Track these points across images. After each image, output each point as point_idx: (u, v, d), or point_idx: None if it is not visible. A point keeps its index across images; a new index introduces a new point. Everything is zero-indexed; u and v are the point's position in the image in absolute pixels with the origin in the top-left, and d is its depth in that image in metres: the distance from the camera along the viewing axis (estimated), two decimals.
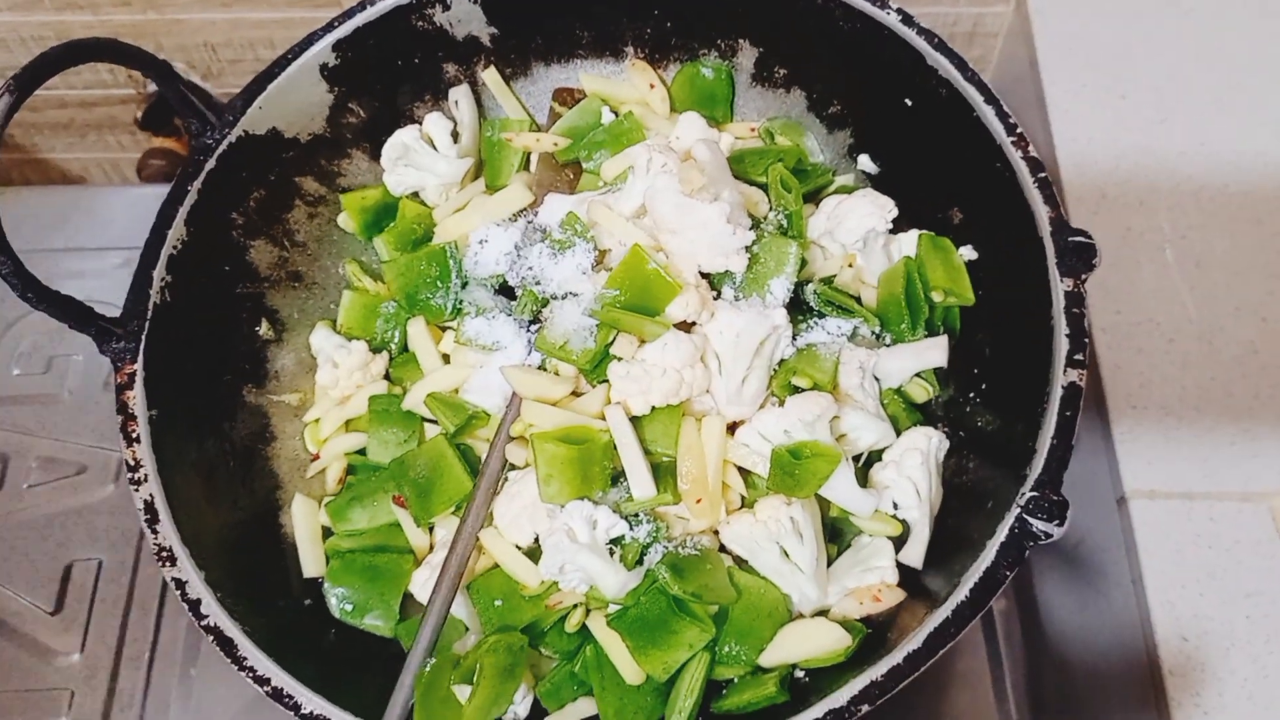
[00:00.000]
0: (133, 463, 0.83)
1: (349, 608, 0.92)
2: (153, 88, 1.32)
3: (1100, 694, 0.98)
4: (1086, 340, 0.82)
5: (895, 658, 0.74)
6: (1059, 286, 0.84)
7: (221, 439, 0.95)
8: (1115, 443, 0.95)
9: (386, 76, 1.05)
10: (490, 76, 1.08)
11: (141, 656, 1.10)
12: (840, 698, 0.74)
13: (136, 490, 0.83)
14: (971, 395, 0.94)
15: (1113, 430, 0.95)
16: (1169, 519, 0.91)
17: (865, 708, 0.73)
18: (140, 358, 0.86)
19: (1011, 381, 0.89)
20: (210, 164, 0.93)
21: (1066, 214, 0.86)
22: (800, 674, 0.87)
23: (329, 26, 0.98)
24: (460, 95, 1.08)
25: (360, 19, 0.99)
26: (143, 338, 0.87)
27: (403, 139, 1.04)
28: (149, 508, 0.82)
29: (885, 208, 0.97)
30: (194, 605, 0.79)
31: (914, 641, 0.75)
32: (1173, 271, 1.02)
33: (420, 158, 1.04)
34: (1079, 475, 1.01)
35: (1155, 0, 1.17)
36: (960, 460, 0.94)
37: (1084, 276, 0.84)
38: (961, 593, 0.76)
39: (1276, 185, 1.06)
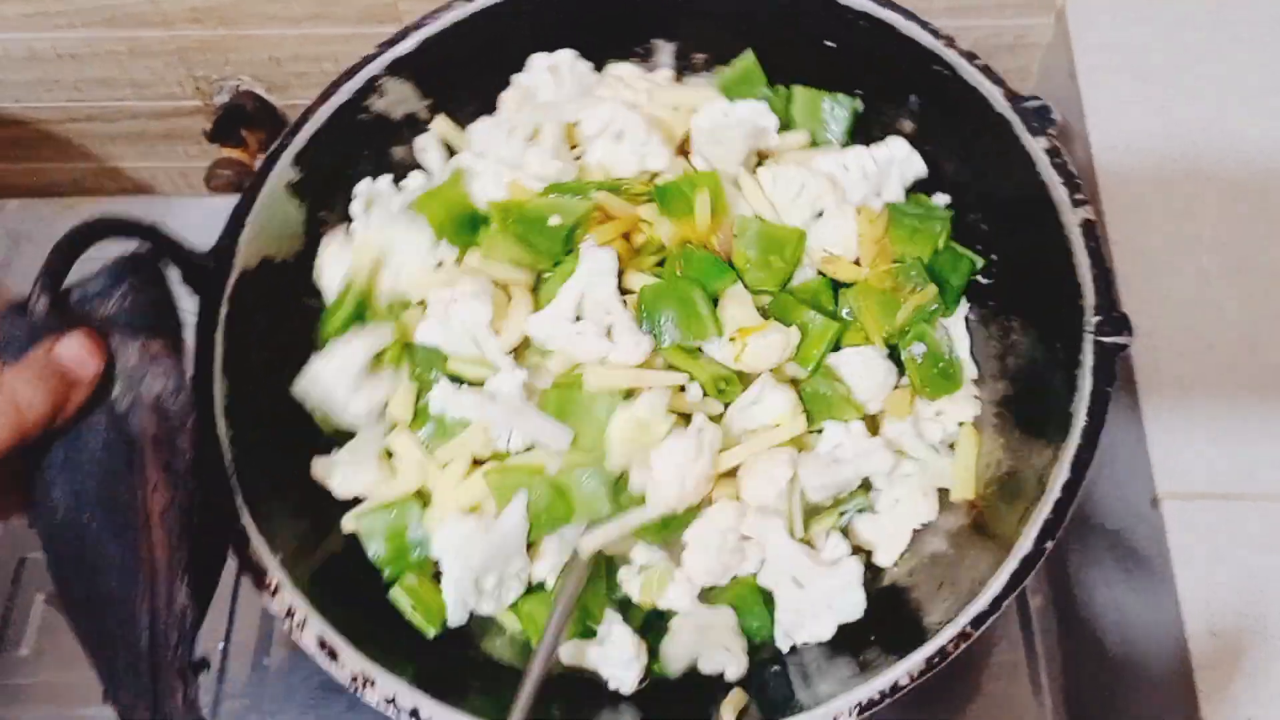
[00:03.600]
0: (288, 610, 0.83)
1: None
2: (220, 100, 1.38)
3: (1133, 686, 1.01)
4: (1079, 181, 0.92)
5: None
6: (1036, 146, 0.94)
7: (330, 551, 0.97)
8: (1150, 445, 0.98)
9: (344, 176, 1.07)
10: (440, 125, 1.11)
11: (216, 646, 1.15)
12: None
13: (303, 633, 0.83)
14: (993, 271, 1.05)
15: (1147, 432, 0.98)
16: (1201, 518, 0.94)
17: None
18: (247, 514, 0.86)
19: (1028, 243, 0.99)
20: (224, 310, 0.92)
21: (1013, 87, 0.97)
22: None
23: (283, 144, 0.99)
24: (427, 143, 1.11)
25: (310, 128, 1.00)
26: (238, 500, 0.87)
27: (369, 187, 1.06)
28: (323, 644, 0.82)
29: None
30: (390, 700, 0.82)
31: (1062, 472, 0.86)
32: (1212, 278, 1.05)
33: (390, 201, 1.07)
34: (1115, 476, 1.04)
35: (1194, 12, 1.20)
36: (1003, 322, 1.04)
37: (1053, 131, 0.94)
38: (1080, 419, 0.86)
39: None
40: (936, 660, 0.81)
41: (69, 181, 1.55)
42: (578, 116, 1.07)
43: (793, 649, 0.95)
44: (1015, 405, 1.01)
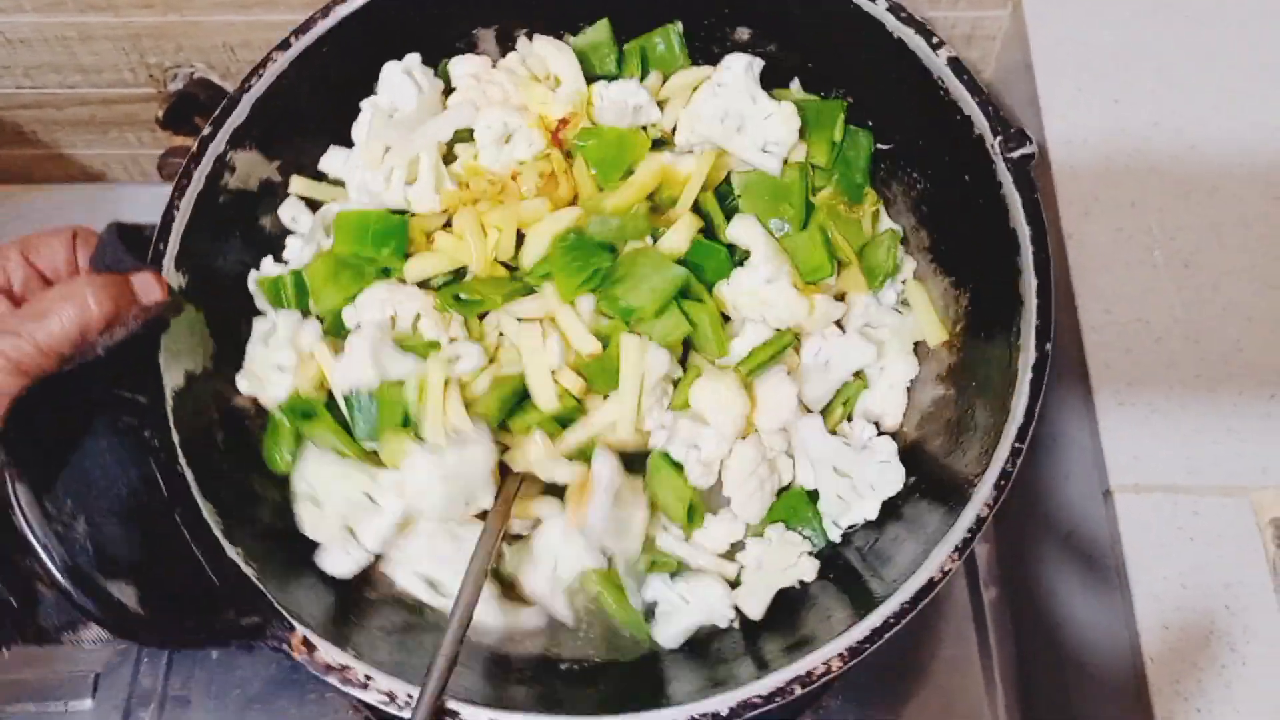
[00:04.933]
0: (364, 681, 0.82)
1: None
2: (173, 87, 1.36)
3: (1085, 680, 1.01)
4: (930, 27, 0.99)
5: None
6: (877, 8, 1.00)
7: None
8: (1102, 438, 0.98)
9: (223, 267, 1.04)
10: (298, 184, 1.09)
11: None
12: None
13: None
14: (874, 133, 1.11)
15: (1100, 426, 0.98)
16: (1153, 512, 0.95)
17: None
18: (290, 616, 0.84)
19: (901, 99, 1.05)
20: (177, 437, 0.89)
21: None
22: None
23: (157, 253, 0.94)
24: (293, 209, 1.09)
25: (178, 228, 0.96)
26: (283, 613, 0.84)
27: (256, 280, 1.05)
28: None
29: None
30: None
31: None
32: (1161, 272, 1.05)
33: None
34: (1067, 469, 1.05)
35: (1150, 6, 1.20)
36: (905, 176, 1.10)
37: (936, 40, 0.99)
38: (1024, 230, 0.91)
39: (1264, 188, 1.08)
40: (1003, 482, 0.86)
41: (16, 169, 1.53)
42: (449, 133, 1.06)
43: (846, 540, 1.00)
44: (947, 245, 1.07)
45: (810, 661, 0.81)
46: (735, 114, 1.06)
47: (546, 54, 1.11)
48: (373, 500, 0.94)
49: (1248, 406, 0.99)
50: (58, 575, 0.73)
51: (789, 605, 0.97)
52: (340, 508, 0.94)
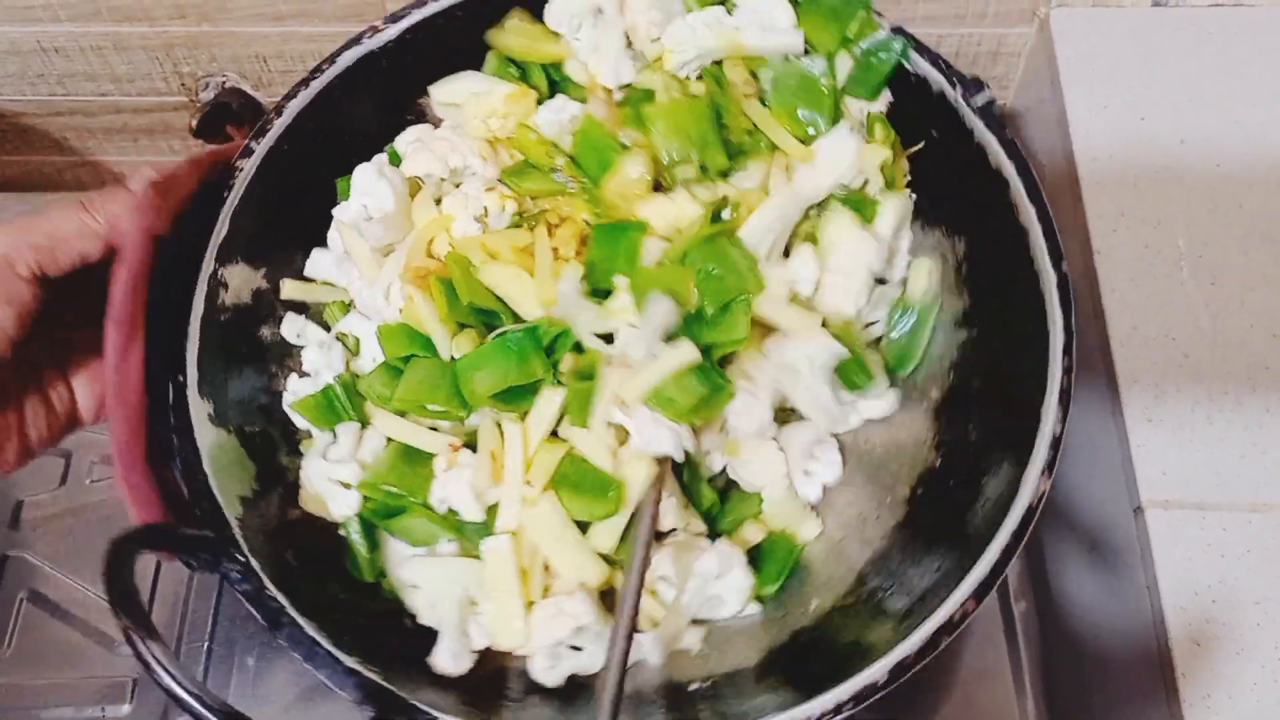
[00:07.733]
0: None
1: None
2: (205, 97, 1.37)
3: (1115, 693, 1.03)
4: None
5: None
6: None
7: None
8: (1132, 454, 0.99)
9: (239, 386, 1.03)
10: (290, 288, 1.09)
11: (201, 646, 1.15)
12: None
13: None
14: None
15: (1130, 442, 0.99)
16: (1182, 528, 0.96)
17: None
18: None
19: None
20: (256, 563, 0.87)
21: None
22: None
23: (182, 382, 0.93)
24: (297, 328, 1.09)
25: (191, 356, 0.94)
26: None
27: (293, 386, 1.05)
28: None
29: None
30: None
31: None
32: (1188, 288, 1.06)
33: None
34: (1097, 485, 1.06)
35: (1176, 24, 1.21)
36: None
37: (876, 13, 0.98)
38: (1009, 168, 0.90)
39: None
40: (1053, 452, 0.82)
41: (48, 176, 1.55)
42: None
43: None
44: (928, 200, 1.04)
45: (944, 613, 0.81)
46: (714, 19, 1.01)
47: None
48: (473, 602, 0.94)
49: (1274, 422, 1.00)
50: None
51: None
52: (459, 597, 0.94)
